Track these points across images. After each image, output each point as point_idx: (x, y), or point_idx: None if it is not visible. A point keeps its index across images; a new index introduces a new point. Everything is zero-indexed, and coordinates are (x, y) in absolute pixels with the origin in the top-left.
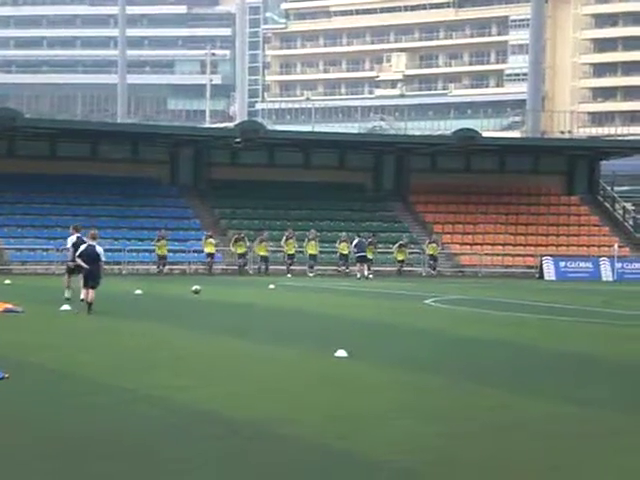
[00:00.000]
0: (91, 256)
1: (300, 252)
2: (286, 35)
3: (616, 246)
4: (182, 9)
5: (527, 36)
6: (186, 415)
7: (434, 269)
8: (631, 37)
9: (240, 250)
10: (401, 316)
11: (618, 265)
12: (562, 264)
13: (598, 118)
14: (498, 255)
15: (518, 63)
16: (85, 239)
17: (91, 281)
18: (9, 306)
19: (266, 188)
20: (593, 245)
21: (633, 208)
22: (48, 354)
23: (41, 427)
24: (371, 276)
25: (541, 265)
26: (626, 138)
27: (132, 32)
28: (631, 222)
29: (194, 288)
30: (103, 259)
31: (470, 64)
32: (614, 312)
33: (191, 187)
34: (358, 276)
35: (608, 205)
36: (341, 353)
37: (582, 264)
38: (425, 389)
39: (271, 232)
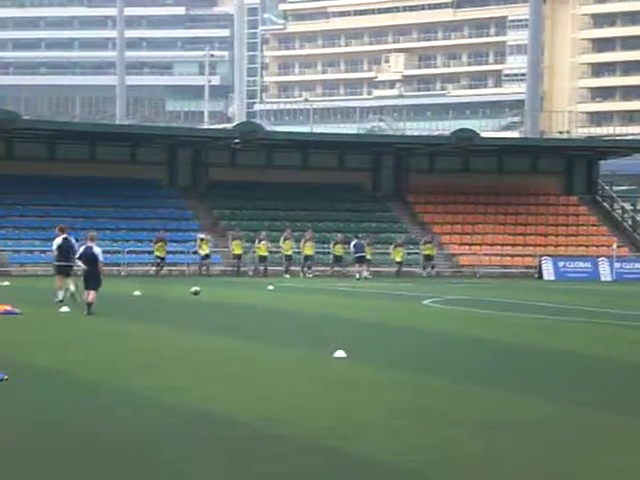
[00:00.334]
0: (89, 257)
1: (298, 253)
2: (284, 36)
3: (615, 246)
4: (180, 10)
5: (525, 36)
6: (186, 416)
7: (432, 268)
8: (629, 37)
9: (237, 251)
10: (400, 317)
11: (617, 265)
12: (561, 264)
13: (596, 118)
14: (497, 255)
15: (516, 63)
16: (70, 239)
17: (91, 282)
18: (7, 308)
19: (265, 189)
20: (592, 245)
21: (632, 208)
22: (48, 355)
23: (41, 428)
24: (370, 277)
25: (540, 265)
26: (625, 138)
27: (130, 33)
28: (630, 222)
29: (193, 289)
30: (101, 259)
31: (468, 64)
32: (613, 312)
33: (190, 188)
34: (357, 277)
35: (607, 205)
36: (340, 354)
37: (581, 264)
38: (424, 390)
39: (270, 233)
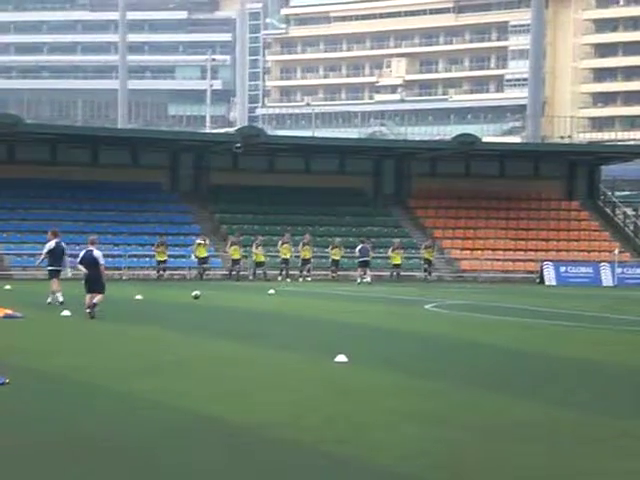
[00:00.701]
0: (89, 261)
1: (297, 257)
2: (286, 40)
3: (616, 251)
4: (182, 14)
5: (527, 41)
6: (186, 420)
7: (430, 274)
8: (631, 42)
9: (235, 255)
10: (401, 321)
11: (618, 270)
12: (562, 269)
13: (598, 123)
14: (498, 260)
15: (518, 68)
16: (63, 244)
17: (92, 285)
18: (9, 312)
19: (266, 193)
20: (593, 250)
21: (633, 213)
22: (49, 359)
23: (42, 431)
24: (370, 281)
25: (541, 270)
26: (626, 143)
27: (133, 37)
28: (632, 227)
29: (194, 293)
30: (102, 263)
31: (470, 69)
32: (614, 317)
33: (191, 192)
34: (358, 281)
35: (608, 210)
36: (341, 358)
37: (582, 269)
38: (426, 394)
39: (271, 237)
